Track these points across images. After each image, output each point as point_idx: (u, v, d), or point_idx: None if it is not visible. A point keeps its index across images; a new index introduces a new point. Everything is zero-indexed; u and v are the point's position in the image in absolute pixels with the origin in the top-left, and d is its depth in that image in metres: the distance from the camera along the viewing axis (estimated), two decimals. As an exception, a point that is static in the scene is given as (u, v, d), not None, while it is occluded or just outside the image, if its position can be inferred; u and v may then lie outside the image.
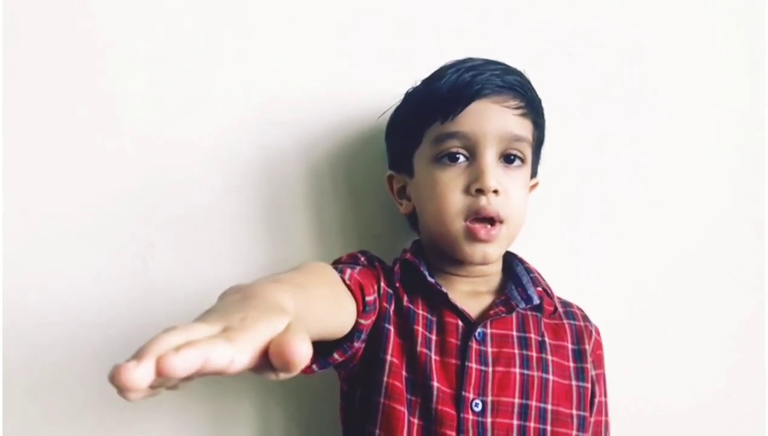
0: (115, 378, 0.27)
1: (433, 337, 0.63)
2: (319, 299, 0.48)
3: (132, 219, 0.78)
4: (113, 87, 0.78)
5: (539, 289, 0.68)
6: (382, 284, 0.64)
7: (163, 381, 0.28)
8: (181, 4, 0.79)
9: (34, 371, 0.76)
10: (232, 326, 0.31)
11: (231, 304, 0.36)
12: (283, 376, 0.32)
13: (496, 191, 0.63)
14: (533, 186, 0.74)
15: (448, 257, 0.67)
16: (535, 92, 0.68)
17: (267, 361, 0.31)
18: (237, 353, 0.29)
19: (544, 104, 0.70)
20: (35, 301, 0.76)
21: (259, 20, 0.81)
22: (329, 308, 0.51)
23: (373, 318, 0.60)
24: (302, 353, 0.30)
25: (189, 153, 0.79)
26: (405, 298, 0.65)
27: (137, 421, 0.77)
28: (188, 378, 0.30)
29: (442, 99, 0.65)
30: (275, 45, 0.81)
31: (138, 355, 0.28)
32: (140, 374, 0.27)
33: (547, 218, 0.81)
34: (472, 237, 0.64)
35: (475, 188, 0.63)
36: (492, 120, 0.64)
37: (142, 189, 0.78)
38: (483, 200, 0.63)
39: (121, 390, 0.28)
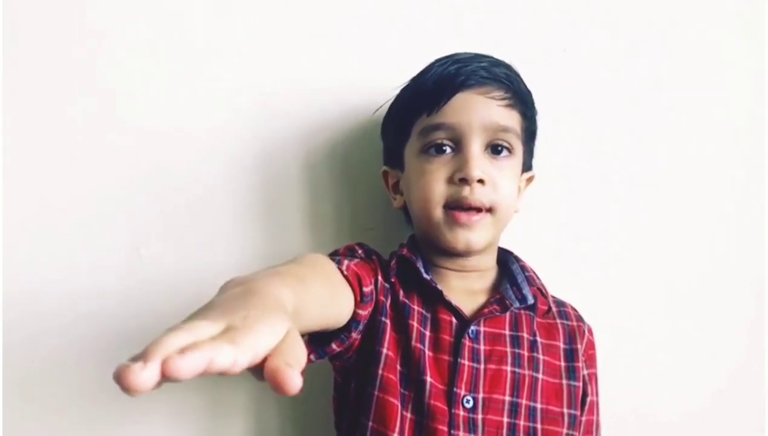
0: (120, 380, 0.27)
1: (427, 333, 0.64)
2: (317, 290, 0.48)
3: (128, 210, 0.78)
4: (110, 79, 0.78)
5: (534, 288, 0.68)
6: (379, 277, 0.65)
7: (165, 381, 0.29)
8: (178, -1, 0.79)
9: (30, 361, 0.76)
10: (235, 324, 0.32)
11: (232, 299, 0.37)
12: None
13: (481, 181, 0.63)
14: (529, 180, 0.74)
15: (440, 250, 0.68)
16: (523, 84, 0.69)
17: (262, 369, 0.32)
18: (240, 355, 0.30)
19: (539, 101, 0.71)
20: (31, 291, 0.76)
21: (256, 14, 0.80)
22: (328, 298, 0.52)
23: (371, 309, 0.61)
24: (295, 387, 0.30)
25: (184, 146, 0.79)
26: (401, 293, 0.66)
27: (132, 412, 0.77)
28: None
29: (427, 91, 0.66)
30: (272, 39, 0.80)
31: (143, 357, 0.28)
32: (146, 377, 0.27)
33: (542, 216, 0.82)
34: (453, 223, 0.64)
35: (458, 178, 0.64)
36: (477, 111, 0.64)
37: (138, 180, 0.78)
38: (465, 190, 0.63)
39: (126, 391, 0.28)
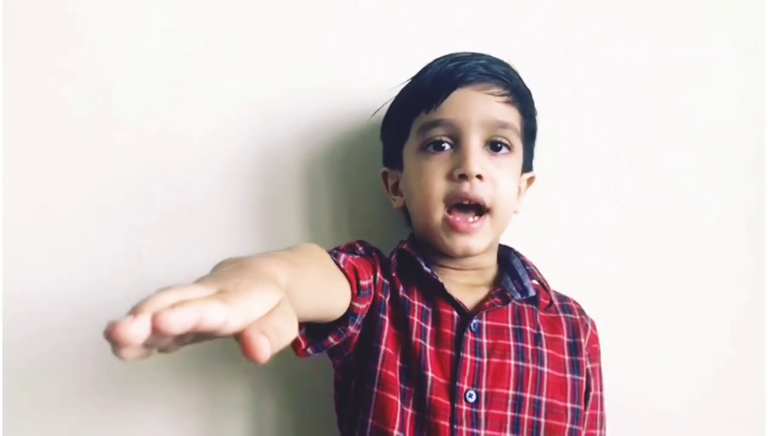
0: (111, 333, 0.27)
1: (428, 327, 0.63)
2: (312, 276, 0.48)
3: (127, 210, 0.78)
4: (109, 80, 0.79)
5: (535, 281, 0.68)
6: (378, 273, 0.64)
7: (157, 340, 0.29)
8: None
9: (30, 360, 0.75)
10: (227, 289, 0.32)
11: (225, 272, 0.37)
12: None
13: (480, 177, 0.63)
14: (530, 180, 0.74)
15: (439, 251, 0.67)
16: (522, 82, 0.69)
17: None
18: (231, 314, 0.30)
19: (541, 101, 0.71)
20: (31, 291, 0.76)
21: (255, 15, 0.81)
22: (322, 286, 0.51)
23: (368, 303, 0.60)
24: (261, 356, 0.30)
25: (184, 146, 0.79)
26: (401, 288, 0.65)
27: (131, 410, 0.76)
28: (182, 340, 0.31)
29: (426, 89, 0.66)
30: (271, 41, 0.81)
31: (134, 311, 0.28)
32: (136, 329, 0.27)
33: (543, 213, 0.81)
34: (452, 229, 0.64)
35: (458, 174, 0.63)
36: (475, 107, 0.64)
37: (138, 180, 0.78)
38: (465, 186, 0.63)
39: (116, 346, 0.28)
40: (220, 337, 0.30)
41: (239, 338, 0.31)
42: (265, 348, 0.30)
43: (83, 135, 0.78)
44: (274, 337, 0.31)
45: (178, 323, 0.28)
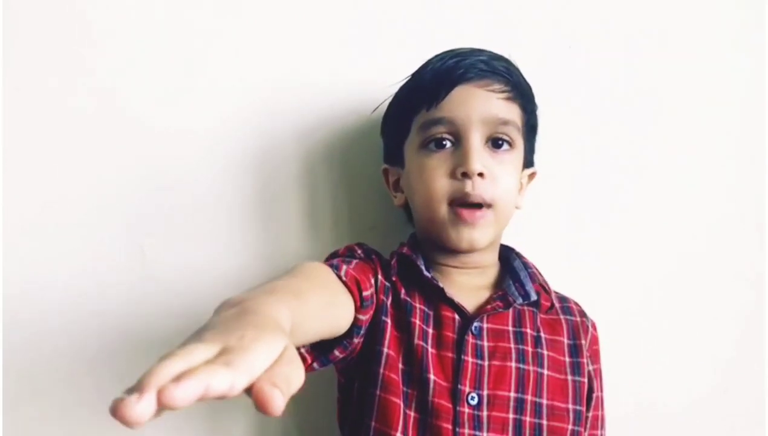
0: (117, 413, 0.27)
1: (430, 330, 0.63)
2: (315, 302, 0.48)
3: (129, 209, 0.78)
4: (110, 77, 0.78)
5: (536, 284, 0.68)
6: (380, 276, 0.64)
7: (163, 410, 0.29)
8: (177, -4, 0.79)
9: (30, 359, 0.75)
10: (230, 345, 0.31)
11: (228, 320, 0.36)
12: None
13: (481, 175, 0.63)
14: (531, 176, 0.74)
15: (442, 247, 0.67)
16: (523, 78, 0.68)
17: None
18: (236, 378, 0.29)
19: (544, 97, 0.70)
20: (32, 291, 0.76)
21: (256, 12, 0.80)
22: (326, 309, 0.51)
23: (371, 313, 0.60)
24: (276, 409, 0.30)
25: (185, 145, 0.79)
26: (402, 291, 0.65)
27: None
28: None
29: (426, 86, 0.65)
30: (270, 38, 0.80)
31: (138, 388, 0.28)
32: (142, 409, 0.27)
33: (545, 212, 0.81)
34: (457, 221, 0.64)
35: (460, 172, 0.63)
36: (476, 104, 0.64)
37: (139, 180, 0.78)
38: (468, 185, 0.63)
39: (124, 424, 0.27)
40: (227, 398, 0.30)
41: (250, 392, 0.30)
42: (278, 399, 0.29)
43: (84, 133, 0.77)
44: (284, 386, 0.30)
45: (183, 397, 0.28)
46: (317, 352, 0.56)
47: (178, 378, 0.28)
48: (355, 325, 0.57)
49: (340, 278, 0.56)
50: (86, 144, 0.77)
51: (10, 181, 0.76)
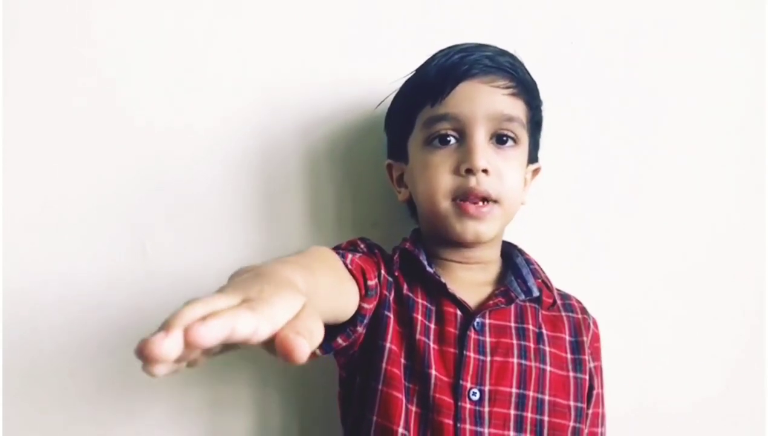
0: (144, 351, 0.27)
1: (432, 326, 0.63)
2: (324, 281, 0.48)
3: (131, 205, 0.78)
4: (112, 74, 0.78)
5: (538, 281, 0.68)
6: (383, 271, 0.64)
7: (187, 354, 0.29)
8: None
9: (33, 356, 0.75)
10: (251, 296, 0.32)
11: (245, 280, 0.36)
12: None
13: (486, 171, 0.63)
14: (535, 172, 0.74)
15: (445, 242, 0.67)
16: (528, 73, 0.68)
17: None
18: (260, 323, 0.30)
19: (546, 93, 0.70)
20: (34, 286, 0.76)
21: (258, 8, 0.80)
22: (334, 291, 0.51)
23: (375, 303, 0.60)
24: (302, 355, 0.30)
25: (187, 141, 0.79)
26: (405, 286, 0.65)
27: (135, 407, 0.77)
28: (211, 351, 0.31)
29: (431, 82, 0.65)
30: (273, 34, 0.80)
31: (165, 327, 0.28)
32: (169, 346, 0.27)
33: (547, 209, 0.81)
34: (462, 214, 0.64)
35: (464, 168, 0.63)
36: (481, 100, 0.64)
37: (140, 177, 0.78)
38: (472, 181, 0.63)
39: (149, 363, 0.28)
40: (248, 346, 0.30)
41: (270, 345, 0.31)
42: (304, 347, 0.30)
43: (86, 131, 0.77)
44: (308, 335, 0.31)
45: (210, 335, 0.28)
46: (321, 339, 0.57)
47: (204, 319, 0.28)
48: (359, 313, 0.57)
49: (345, 265, 0.56)
50: (87, 141, 0.77)
51: (10, 180, 0.76)
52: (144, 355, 0.27)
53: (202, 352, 0.30)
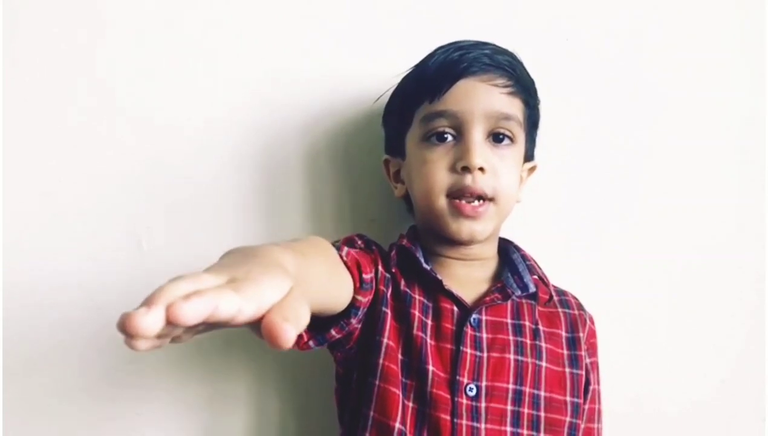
0: (125, 325, 0.27)
1: (429, 321, 0.64)
2: (317, 267, 0.48)
3: (129, 201, 0.78)
4: (110, 72, 0.78)
5: (535, 277, 0.68)
6: (380, 267, 0.64)
7: (170, 331, 0.29)
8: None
9: (31, 354, 0.76)
10: (238, 277, 0.32)
11: (234, 260, 0.36)
12: None
13: (482, 169, 0.63)
14: (531, 170, 0.74)
15: (441, 238, 0.67)
16: (526, 72, 0.68)
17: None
18: (244, 303, 0.29)
19: (541, 90, 0.71)
20: (32, 282, 0.76)
21: (256, 5, 0.80)
22: (327, 277, 0.51)
23: (370, 297, 0.60)
24: (287, 340, 0.30)
25: (185, 136, 0.79)
26: (402, 282, 0.65)
27: (133, 402, 0.77)
28: (195, 329, 0.31)
29: (429, 78, 0.66)
30: (272, 29, 0.80)
31: (147, 302, 0.28)
32: (150, 321, 0.27)
33: (543, 206, 0.81)
34: (458, 213, 0.64)
35: (460, 166, 0.63)
36: (479, 98, 0.64)
37: (139, 171, 0.78)
38: (468, 179, 0.63)
39: (130, 337, 0.28)
40: (233, 326, 0.30)
41: (257, 326, 0.31)
42: (290, 332, 0.30)
43: (83, 126, 0.77)
44: (294, 321, 0.30)
45: (192, 314, 0.28)
46: (314, 331, 0.56)
47: (187, 296, 0.28)
48: (353, 305, 0.56)
49: (341, 257, 0.56)
50: (85, 137, 0.77)
51: (9, 175, 0.76)
52: (125, 329, 0.27)
53: (186, 329, 0.30)
